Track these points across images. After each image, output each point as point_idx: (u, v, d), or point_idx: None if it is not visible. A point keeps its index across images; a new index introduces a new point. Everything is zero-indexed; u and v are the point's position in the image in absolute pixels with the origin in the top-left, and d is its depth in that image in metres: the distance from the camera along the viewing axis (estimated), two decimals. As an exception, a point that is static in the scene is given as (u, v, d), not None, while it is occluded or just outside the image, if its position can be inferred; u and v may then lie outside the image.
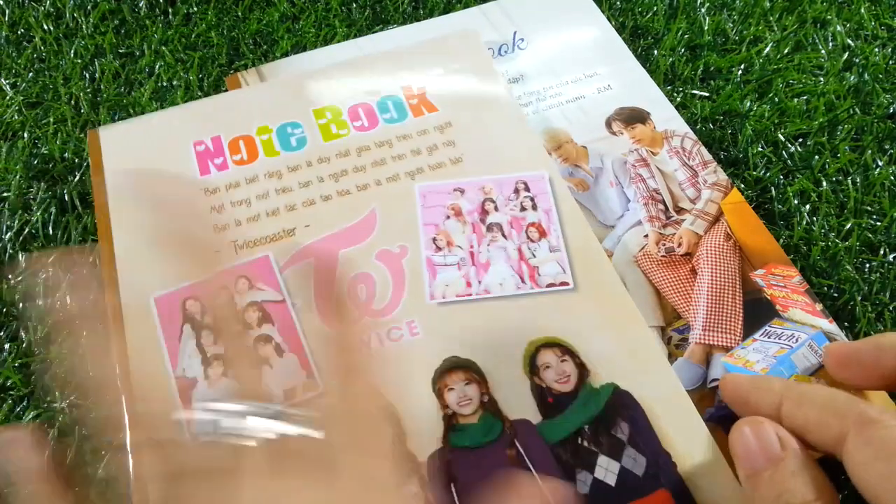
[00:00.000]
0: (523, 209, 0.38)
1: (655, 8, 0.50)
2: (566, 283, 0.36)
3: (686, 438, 0.32)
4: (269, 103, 0.42)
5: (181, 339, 0.34)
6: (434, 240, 0.37)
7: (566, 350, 0.34)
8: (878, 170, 0.43)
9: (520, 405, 0.33)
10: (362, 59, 0.44)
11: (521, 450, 0.32)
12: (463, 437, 0.32)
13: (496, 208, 0.39)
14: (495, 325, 0.35)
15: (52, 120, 0.45)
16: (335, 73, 0.43)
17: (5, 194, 0.42)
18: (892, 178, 0.42)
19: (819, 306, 0.37)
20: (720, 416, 0.30)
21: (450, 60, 0.44)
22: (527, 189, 0.39)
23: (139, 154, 0.40)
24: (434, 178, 0.39)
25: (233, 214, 0.38)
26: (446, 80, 0.43)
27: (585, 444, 0.32)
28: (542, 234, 0.38)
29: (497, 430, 0.32)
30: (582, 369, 0.34)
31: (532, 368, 0.34)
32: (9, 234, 0.40)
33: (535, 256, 0.37)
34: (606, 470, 0.31)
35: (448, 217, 0.38)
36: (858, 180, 0.42)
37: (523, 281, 0.36)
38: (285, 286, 0.36)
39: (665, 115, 0.44)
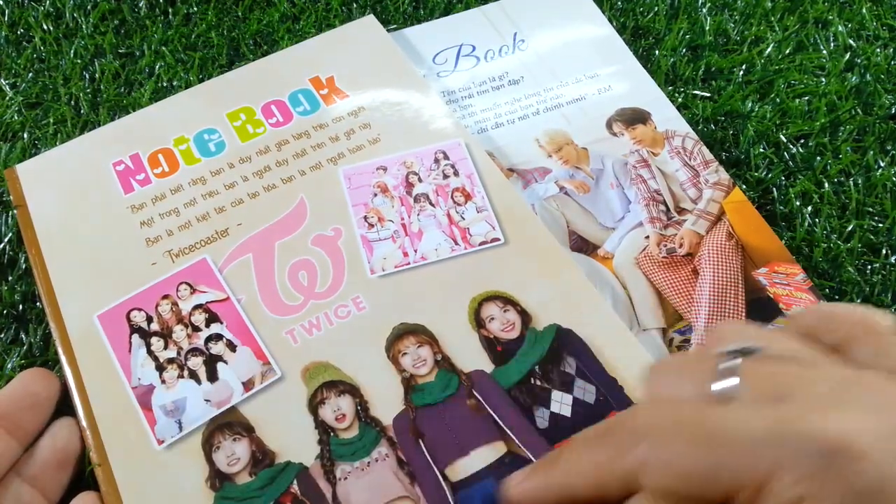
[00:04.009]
0: (446, 176, 0.40)
1: (656, 8, 0.50)
2: (497, 239, 0.38)
3: (629, 364, 0.35)
4: (183, 114, 0.43)
5: (131, 350, 0.35)
6: (365, 218, 0.39)
7: (507, 300, 0.36)
8: (879, 171, 0.43)
9: (472, 358, 0.35)
10: (268, 59, 0.45)
11: (480, 398, 0.34)
12: (423, 395, 0.34)
13: (420, 179, 0.40)
14: (437, 288, 0.37)
15: (52, 120, 0.44)
16: (243, 75, 0.44)
17: (5, 197, 0.42)
18: (894, 179, 0.42)
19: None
20: None
21: (352, 47, 0.45)
22: (446, 157, 0.41)
23: (60, 184, 0.40)
24: (355, 160, 0.41)
25: (163, 226, 0.39)
26: (352, 67, 0.44)
27: (538, 383, 0.34)
28: (468, 197, 0.40)
29: (455, 384, 0.34)
30: (524, 316, 0.36)
31: (478, 322, 0.36)
32: (9, 235, 0.40)
33: (463, 219, 0.39)
34: (561, 403, 0.34)
35: (375, 195, 0.40)
36: (860, 181, 0.42)
37: (456, 243, 0.38)
38: (227, 284, 0.37)
39: (666, 116, 0.44)
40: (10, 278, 0.39)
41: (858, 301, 0.38)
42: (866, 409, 0.21)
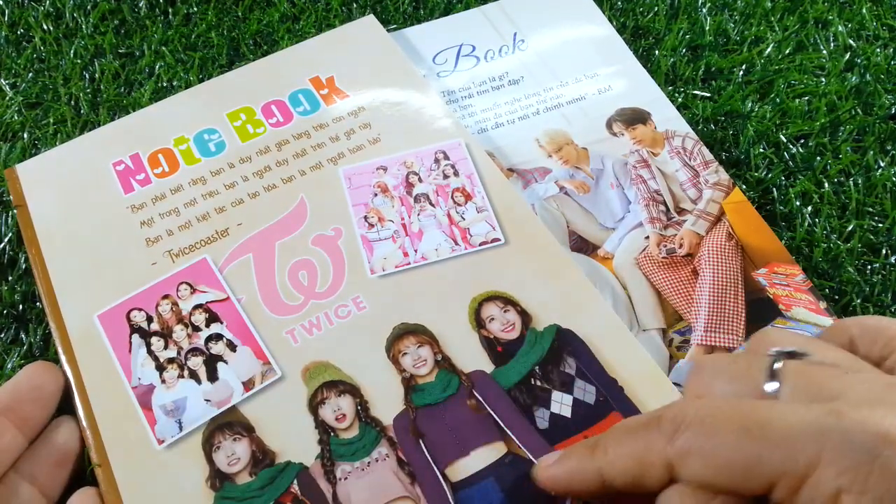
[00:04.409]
0: (446, 176, 0.40)
1: (657, 8, 0.50)
2: (497, 240, 0.38)
3: (629, 364, 0.35)
4: (183, 114, 0.43)
5: (131, 349, 0.35)
6: (366, 218, 0.39)
7: (507, 301, 0.36)
8: (879, 171, 0.43)
9: (472, 358, 0.35)
10: (268, 59, 0.45)
11: (481, 398, 0.34)
12: (423, 395, 0.34)
13: (420, 180, 0.40)
14: (437, 288, 0.37)
15: (52, 120, 0.44)
16: (243, 75, 0.44)
17: (5, 197, 0.42)
18: (893, 179, 0.42)
19: (823, 304, 0.37)
20: None
21: (352, 47, 0.45)
22: (446, 157, 0.41)
23: (60, 184, 0.40)
24: (355, 160, 0.41)
25: (163, 225, 0.39)
26: (352, 67, 0.45)
27: (538, 383, 0.34)
28: (468, 197, 0.40)
29: (455, 385, 0.34)
30: (524, 316, 0.36)
31: (478, 322, 0.36)
32: (9, 235, 0.40)
33: (464, 219, 0.39)
34: (561, 403, 0.34)
35: (376, 195, 0.40)
36: (860, 181, 0.42)
37: (457, 243, 0.38)
38: (227, 284, 0.37)
39: (666, 116, 0.44)
40: (10, 278, 0.39)
41: (858, 301, 0.38)
42: None
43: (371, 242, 0.38)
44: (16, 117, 0.45)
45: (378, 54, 0.45)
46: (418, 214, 0.39)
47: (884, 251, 0.40)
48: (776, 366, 0.24)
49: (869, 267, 0.40)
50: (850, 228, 0.41)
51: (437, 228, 0.39)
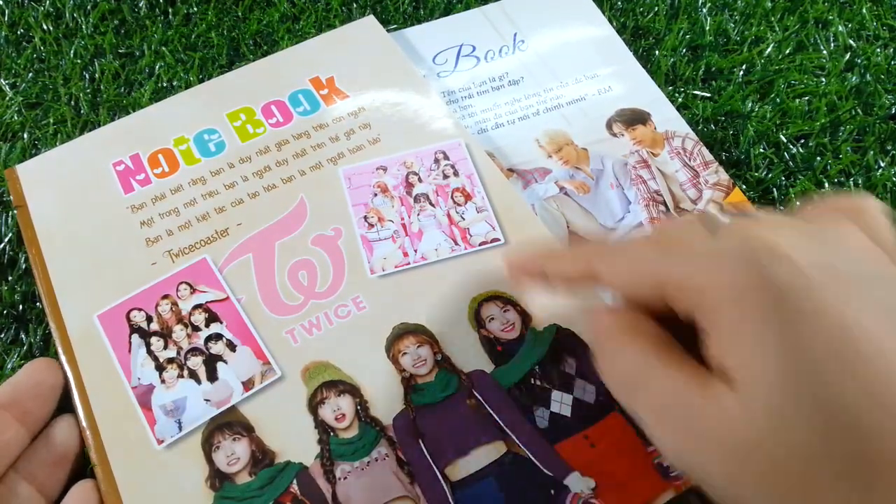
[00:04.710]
0: (446, 176, 0.40)
1: (657, 8, 0.50)
2: (497, 240, 0.38)
3: None
4: (183, 114, 0.43)
5: (131, 349, 0.35)
6: (365, 218, 0.39)
7: (507, 301, 0.36)
8: (879, 171, 0.43)
9: (472, 358, 0.35)
10: (268, 59, 0.45)
11: (480, 398, 0.34)
12: (423, 395, 0.34)
13: (420, 180, 0.40)
14: (437, 288, 0.37)
15: (51, 120, 0.44)
16: (243, 75, 0.45)
17: (6, 197, 0.42)
18: (894, 179, 0.42)
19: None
20: None
21: (352, 48, 0.45)
22: (446, 157, 0.41)
23: (60, 184, 0.40)
24: (355, 160, 0.41)
25: (163, 225, 0.39)
26: (352, 68, 0.45)
27: (538, 382, 0.34)
28: (468, 197, 0.40)
29: (454, 384, 0.34)
30: (524, 316, 0.36)
31: (478, 322, 0.36)
32: (9, 235, 0.40)
33: (463, 219, 0.39)
34: (561, 403, 0.34)
35: (375, 195, 0.40)
36: (860, 182, 0.42)
37: (456, 243, 0.38)
38: (227, 284, 0.37)
39: (666, 116, 0.44)
40: (10, 278, 0.39)
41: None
42: (808, 238, 0.22)
43: (371, 242, 0.38)
44: (16, 117, 0.45)
45: (378, 55, 0.45)
46: (418, 214, 0.39)
47: (884, 251, 0.40)
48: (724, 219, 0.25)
49: (869, 267, 0.40)
50: (850, 229, 0.41)
51: (437, 228, 0.39)
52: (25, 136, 0.44)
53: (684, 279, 0.23)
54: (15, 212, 0.40)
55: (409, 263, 0.38)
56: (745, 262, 0.21)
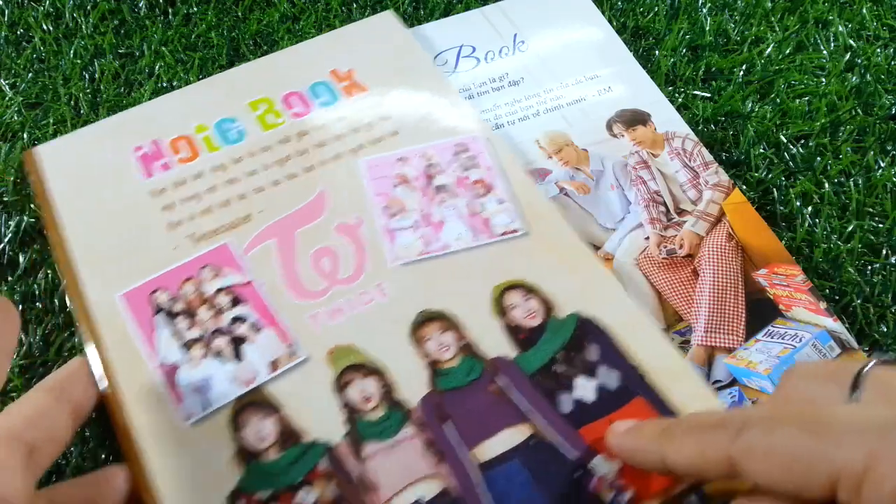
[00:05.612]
0: (466, 169, 0.40)
1: (656, 8, 0.50)
2: (518, 230, 0.38)
3: (651, 352, 0.35)
4: (204, 102, 0.43)
5: (155, 329, 0.35)
6: (387, 207, 0.39)
7: (529, 289, 0.37)
8: (879, 171, 0.43)
9: (495, 345, 0.35)
10: (288, 51, 0.46)
11: (504, 383, 0.34)
12: (448, 379, 0.34)
13: (440, 171, 0.40)
14: (459, 277, 0.37)
15: (51, 120, 0.44)
16: (263, 66, 0.45)
17: (5, 197, 0.42)
18: (894, 179, 0.42)
19: (823, 305, 0.37)
20: None
21: (372, 41, 0.46)
22: (466, 150, 0.41)
23: (81, 167, 0.40)
24: (375, 151, 0.41)
25: (185, 210, 0.39)
26: (372, 61, 0.45)
27: (562, 368, 0.35)
28: (488, 189, 0.40)
29: (478, 369, 0.35)
30: (546, 304, 0.36)
31: (500, 310, 0.36)
32: (9, 235, 0.40)
33: (484, 210, 0.39)
34: (584, 388, 0.34)
35: (396, 185, 0.40)
36: (860, 182, 0.42)
37: (477, 233, 0.38)
38: (250, 269, 0.37)
39: (666, 117, 0.44)
40: (9, 278, 0.39)
41: (858, 301, 0.38)
42: None
43: (392, 231, 0.38)
44: (15, 117, 0.45)
45: (397, 48, 0.45)
46: (439, 205, 0.39)
47: (884, 251, 0.40)
48: (864, 370, 0.23)
49: (869, 267, 0.40)
50: (850, 229, 0.41)
51: (458, 219, 0.39)
52: (25, 136, 0.44)
53: (861, 471, 0.20)
54: (16, 212, 0.40)
55: (430, 252, 0.38)
56: None
